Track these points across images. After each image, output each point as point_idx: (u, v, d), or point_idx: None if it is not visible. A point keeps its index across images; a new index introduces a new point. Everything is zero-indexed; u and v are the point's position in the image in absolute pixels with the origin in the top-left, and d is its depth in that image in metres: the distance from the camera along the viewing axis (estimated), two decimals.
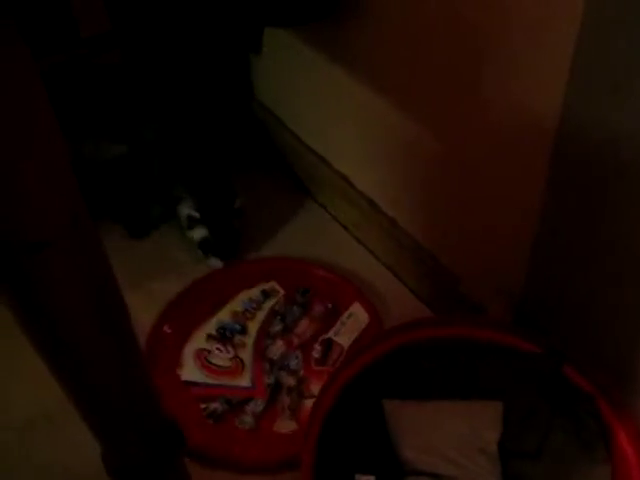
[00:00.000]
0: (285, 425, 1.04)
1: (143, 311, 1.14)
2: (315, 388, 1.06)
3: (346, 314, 1.18)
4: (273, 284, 1.23)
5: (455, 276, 1.12)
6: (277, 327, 1.16)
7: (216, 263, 1.27)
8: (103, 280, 0.63)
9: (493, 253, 1.04)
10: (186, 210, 1.27)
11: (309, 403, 1.05)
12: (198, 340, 1.13)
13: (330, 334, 1.15)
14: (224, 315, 1.17)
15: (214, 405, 1.05)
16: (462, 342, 0.97)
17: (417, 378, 0.96)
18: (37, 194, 0.52)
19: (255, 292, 1.21)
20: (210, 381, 1.08)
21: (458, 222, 1.09)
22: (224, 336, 1.14)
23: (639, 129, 0.73)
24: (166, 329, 1.15)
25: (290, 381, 1.09)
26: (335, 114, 1.25)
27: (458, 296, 1.11)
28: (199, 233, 1.27)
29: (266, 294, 1.21)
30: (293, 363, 1.11)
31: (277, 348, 1.13)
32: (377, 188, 1.22)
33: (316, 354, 1.12)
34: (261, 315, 1.18)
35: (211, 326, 1.15)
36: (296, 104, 1.37)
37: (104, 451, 0.80)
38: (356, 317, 1.17)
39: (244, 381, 1.08)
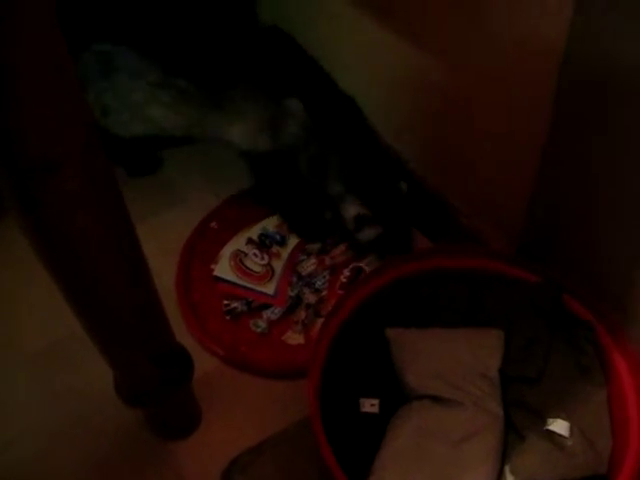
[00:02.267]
0: (294, 337, 1.10)
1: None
2: None
3: None
4: None
5: (457, 209, 1.13)
6: (315, 246, 1.20)
7: None
8: (113, 202, 0.68)
9: (495, 186, 1.05)
10: (353, 210, 1.10)
11: (319, 322, 1.10)
12: (239, 242, 1.20)
13: (362, 263, 1.18)
14: (269, 224, 1.22)
15: (235, 304, 1.13)
16: (464, 272, 0.98)
17: (419, 307, 0.99)
18: (51, 118, 0.57)
19: None
20: (238, 281, 1.15)
21: (460, 155, 1.08)
22: (263, 243, 1.20)
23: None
24: (213, 225, 1.22)
25: (311, 298, 1.14)
26: (342, 37, 1.21)
27: (460, 229, 1.12)
28: (372, 232, 1.11)
29: None
30: (319, 282, 1.16)
31: (309, 265, 1.18)
32: (381, 119, 1.20)
33: (344, 278, 1.16)
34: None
35: (254, 231, 1.21)
36: (302, 21, 1.29)
37: (116, 377, 0.88)
38: None
39: (269, 288, 1.15)
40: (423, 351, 0.92)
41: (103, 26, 1.10)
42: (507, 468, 0.86)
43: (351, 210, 1.10)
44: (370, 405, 0.91)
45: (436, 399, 0.89)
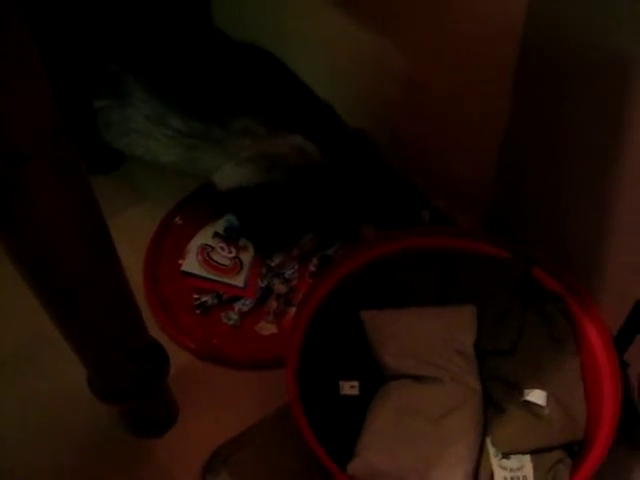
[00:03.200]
0: (267, 327, 1.10)
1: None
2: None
3: None
4: None
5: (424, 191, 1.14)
6: None
7: None
8: (82, 194, 0.67)
9: (461, 168, 1.06)
10: None
11: (292, 311, 1.10)
12: (205, 236, 1.19)
13: (330, 252, 1.18)
14: (234, 217, 1.21)
15: (205, 298, 1.12)
16: (435, 251, 1.00)
17: (393, 288, 0.99)
18: (19, 108, 0.56)
19: None
20: (207, 275, 1.14)
21: (425, 138, 1.10)
22: (230, 236, 1.19)
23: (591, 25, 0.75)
24: (178, 220, 1.21)
25: (281, 288, 1.13)
26: (297, 15, 1.21)
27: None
28: None
29: None
30: (289, 272, 1.15)
31: (276, 256, 1.17)
32: (341, 103, 1.18)
33: (313, 267, 1.16)
34: None
35: (220, 225, 1.20)
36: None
37: (90, 375, 0.87)
38: None
39: (238, 281, 1.14)
40: (398, 331, 0.93)
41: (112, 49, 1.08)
42: (488, 440, 0.87)
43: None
44: (350, 387, 0.91)
45: (414, 378, 0.90)
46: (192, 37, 1.12)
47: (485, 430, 0.88)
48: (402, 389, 0.89)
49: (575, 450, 0.88)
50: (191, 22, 1.16)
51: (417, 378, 0.90)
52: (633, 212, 0.83)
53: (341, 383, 0.92)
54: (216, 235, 1.19)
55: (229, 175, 1.05)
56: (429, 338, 0.92)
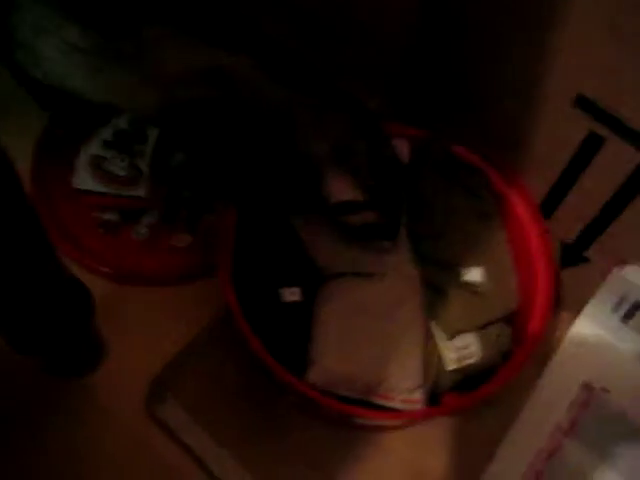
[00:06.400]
0: (181, 238, 1.02)
1: None
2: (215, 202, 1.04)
3: None
4: None
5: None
6: None
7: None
8: None
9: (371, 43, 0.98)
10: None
11: (207, 217, 1.04)
12: (93, 146, 1.07)
13: None
14: (122, 121, 1.10)
15: (107, 216, 1.02)
16: None
17: None
18: None
19: None
20: (104, 189, 1.04)
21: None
22: (121, 143, 1.08)
23: None
24: (59, 132, 1.08)
25: (188, 193, 1.06)
26: None
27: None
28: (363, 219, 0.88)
29: None
30: (193, 174, 1.07)
31: (177, 157, 1.08)
32: None
33: None
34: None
35: (107, 131, 1.08)
36: None
37: (6, 329, 0.76)
38: None
39: (139, 191, 1.04)
40: (330, 232, 0.90)
41: None
42: (433, 324, 0.89)
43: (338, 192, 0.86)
44: (290, 294, 0.88)
45: (353, 275, 0.88)
46: None
47: (428, 315, 0.89)
48: (343, 288, 0.87)
49: (511, 320, 0.91)
50: None
51: (356, 275, 0.88)
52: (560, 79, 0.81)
53: (281, 291, 0.88)
54: (106, 143, 1.07)
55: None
56: None
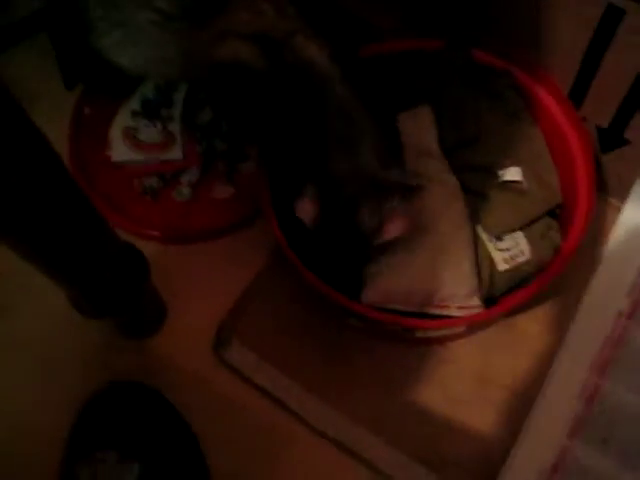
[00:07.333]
0: (223, 190, 1.05)
1: None
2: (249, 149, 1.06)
3: None
4: None
5: None
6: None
7: None
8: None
9: None
10: None
11: (244, 166, 1.06)
12: (123, 119, 1.10)
13: None
14: (146, 89, 1.12)
15: (149, 182, 1.05)
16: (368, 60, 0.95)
17: None
18: None
19: None
20: (141, 158, 1.07)
21: None
22: (150, 111, 1.10)
23: None
24: (87, 111, 1.11)
25: (222, 146, 1.08)
26: None
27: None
28: None
29: None
30: (225, 127, 1.09)
31: (205, 114, 1.10)
32: None
33: None
34: (185, 84, 1.13)
35: (134, 102, 1.11)
36: None
37: (72, 296, 0.80)
38: None
39: (176, 154, 1.07)
40: None
41: None
42: (479, 228, 0.89)
43: None
44: None
45: None
46: None
47: (473, 220, 0.89)
48: None
49: (557, 214, 0.91)
50: None
51: None
52: None
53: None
54: (135, 114, 1.10)
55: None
56: None
